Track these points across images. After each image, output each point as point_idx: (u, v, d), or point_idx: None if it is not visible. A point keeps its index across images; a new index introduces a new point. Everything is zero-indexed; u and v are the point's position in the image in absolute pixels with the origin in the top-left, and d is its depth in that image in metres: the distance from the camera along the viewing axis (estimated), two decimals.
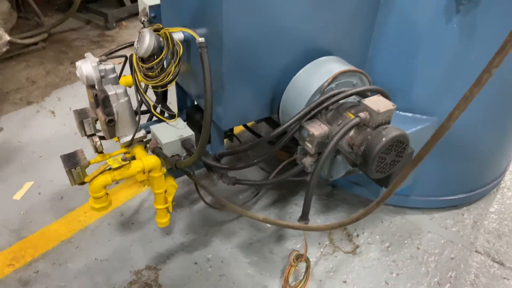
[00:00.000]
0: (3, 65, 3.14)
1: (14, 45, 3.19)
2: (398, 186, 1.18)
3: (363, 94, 1.48)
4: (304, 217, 1.45)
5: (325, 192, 2.22)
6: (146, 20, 1.87)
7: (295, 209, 2.12)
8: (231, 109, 1.51)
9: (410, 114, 1.82)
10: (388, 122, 1.41)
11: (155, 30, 1.49)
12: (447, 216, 2.13)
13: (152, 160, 1.46)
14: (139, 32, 1.49)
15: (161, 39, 1.48)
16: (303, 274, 1.71)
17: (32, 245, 1.88)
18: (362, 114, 1.37)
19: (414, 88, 1.77)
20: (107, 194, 1.45)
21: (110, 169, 1.42)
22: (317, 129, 1.39)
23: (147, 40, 1.43)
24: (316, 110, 1.41)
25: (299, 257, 1.71)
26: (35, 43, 3.39)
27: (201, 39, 1.30)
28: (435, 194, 2.09)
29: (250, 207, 2.12)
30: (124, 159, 1.41)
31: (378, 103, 1.38)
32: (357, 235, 2.01)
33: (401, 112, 1.83)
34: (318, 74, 1.50)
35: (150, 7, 1.83)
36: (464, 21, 1.55)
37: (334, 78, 1.48)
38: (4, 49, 3.10)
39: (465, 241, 2.00)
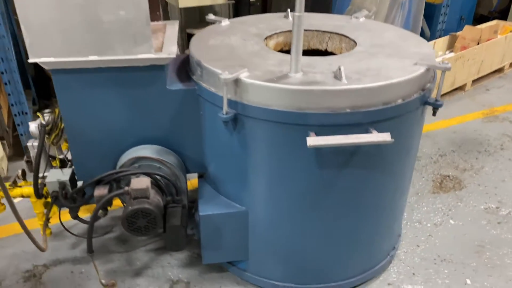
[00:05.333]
0: None
1: None
2: None
3: (149, 175, 2.08)
4: (88, 249, 2.09)
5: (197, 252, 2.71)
6: None
7: (169, 259, 2.68)
8: (79, 167, 2.28)
9: (229, 201, 2.28)
10: (146, 197, 1.98)
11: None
12: None
13: (26, 190, 2.32)
14: None
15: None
16: None
17: None
18: (126, 188, 1.99)
19: (227, 181, 2.25)
20: (2, 203, 2.36)
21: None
22: (100, 190, 2.05)
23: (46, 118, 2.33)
24: (108, 179, 2.08)
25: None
26: None
27: (43, 122, 2.14)
28: (268, 276, 2.40)
29: (136, 246, 2.77)
30: (10, 185, 2.30)
31: (137, 182, 1.98)
32: None
33: (224, 198, 2.30)
34: (129, 155, 2.17)
35: None
36: (240, 135, 2.02)
37: (136, 160, 2.13)
38: None
39: None
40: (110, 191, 2.07)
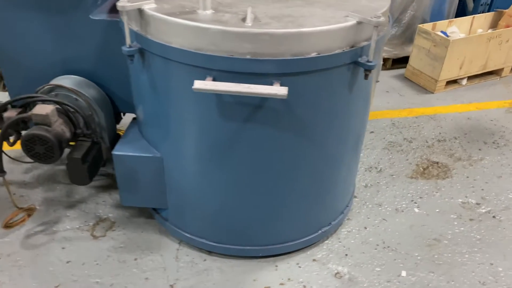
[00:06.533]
0: None
1: None
2: None
3: (59, 104, 2.04)
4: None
5: None
6: None
7: (107, 198, 2.68)
8: (12, 90, 2.29)
9: (149, 145, 2.18)
10: (47, 124, 1.94)
11: None
12: (188, 252, 2.33)
13: None
14: None
15: None
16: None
17: None
18: (29, 113, 1.96)
19: (146, 124, 2.15)
20: None
21: None
22: (10, 112, 2.05)
23: None
24: (21, 102, 2.07)
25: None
26: None
27: None
28: (184, 229, 2.31)
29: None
30: None
31: (40, 109, 1.95)
32: (114, 230, 2.46)
33: (146, 142, 2.20)
34: (49, 83, 2.14)
35: None
36: (148, 74, 1.90)
37: (54, 88, 2.10)
38: None
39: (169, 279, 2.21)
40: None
